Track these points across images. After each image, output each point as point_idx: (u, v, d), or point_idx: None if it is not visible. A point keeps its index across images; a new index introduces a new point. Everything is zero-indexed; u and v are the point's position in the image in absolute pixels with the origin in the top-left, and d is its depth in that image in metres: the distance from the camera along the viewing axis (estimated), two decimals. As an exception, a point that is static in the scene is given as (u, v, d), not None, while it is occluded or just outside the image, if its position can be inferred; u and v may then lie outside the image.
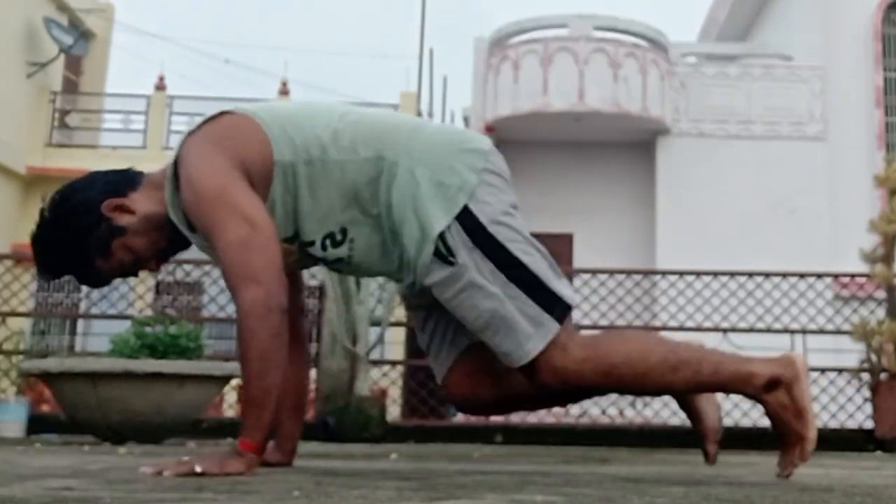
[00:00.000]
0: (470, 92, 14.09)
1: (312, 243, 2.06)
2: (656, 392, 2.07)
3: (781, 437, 1.98)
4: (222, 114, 2.07)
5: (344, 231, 2.04)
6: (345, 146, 2.02)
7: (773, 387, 1.95)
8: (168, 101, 14.80)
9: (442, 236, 1.94)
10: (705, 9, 18.35)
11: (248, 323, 1.87)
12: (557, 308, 1.95)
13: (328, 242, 2.05)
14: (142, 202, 2.08)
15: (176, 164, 2.04)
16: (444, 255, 1.95)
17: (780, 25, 15.50)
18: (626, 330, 1.96)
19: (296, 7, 57.28)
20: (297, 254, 2.10)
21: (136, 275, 2.17)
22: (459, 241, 1.95)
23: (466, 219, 1.95)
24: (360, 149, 2.01)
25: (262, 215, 1.94)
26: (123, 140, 14.48)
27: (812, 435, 1.94)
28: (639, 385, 1.99)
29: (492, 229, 1.96)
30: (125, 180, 2.12)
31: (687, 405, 2.20)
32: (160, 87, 15.04)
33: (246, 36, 55.77)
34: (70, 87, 15.63)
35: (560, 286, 1.97)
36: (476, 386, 2.16)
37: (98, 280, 2.14)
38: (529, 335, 1.93)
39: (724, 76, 13.88)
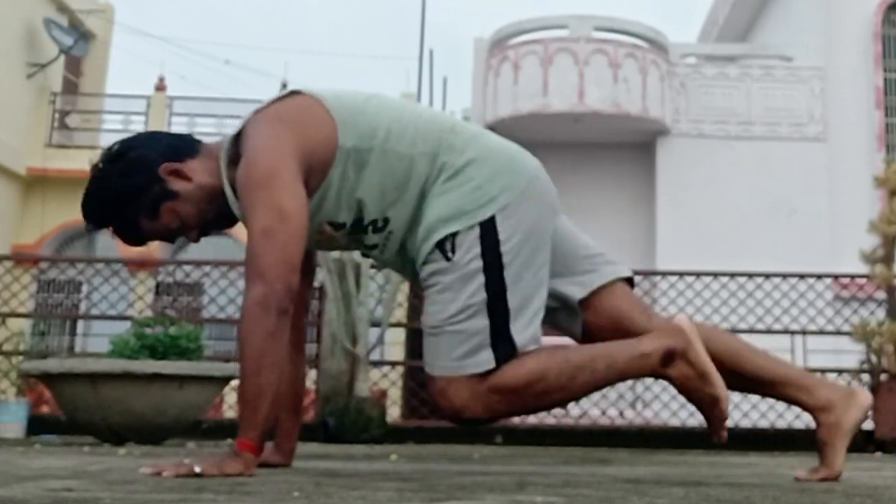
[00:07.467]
0: (470, 93, 14.09)
1: (365, 229, 2.08)
2: (561, 405, 2.06)
3: (698, 405, 1.97)
4: (292, 93, 2.08)
5: (386, 220, 2.06)
6: (406, 139, 2.04)
7: (669, 360, 1.95)
8: (168, 101, 14.78)
9: (455, 232, 1.96)
10: (705, 9, 18.37)
11: (245, 321, 1.88)
12: (502, 349, 1.94)
13: (370, 228, 2.08)
14: (199, 171, 2.08)
15: (237, 138, 2.05)
16: (445, 248, 1.96)
17: (780, 26, 15.50)
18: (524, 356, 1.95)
19: (296, 7, 57.30)
20: (345, 239, 2.12)
21: (173, 241, 2.17)
22: (468, 245, 1.96)
23: (488, 229, 1.97)
24: (419, 144, 2.04)
25: (296, 210, 1.93)
26: (123, 141, 14.43)
27: (722, 393, 1.93)
28: (543, 405, 2.00)
29: (504, 248, 1.96)
30: (185, 146, 2.11)
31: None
32: (160, 87, 15.03)
33: (246, 37, 55.84)
34: (70, 87, 15.61)
35: (518, 329, 1.95)
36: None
37: (138, 238, 2.13)
38: (457, 357, 1.93)
39: (723, 77, 13.87)
